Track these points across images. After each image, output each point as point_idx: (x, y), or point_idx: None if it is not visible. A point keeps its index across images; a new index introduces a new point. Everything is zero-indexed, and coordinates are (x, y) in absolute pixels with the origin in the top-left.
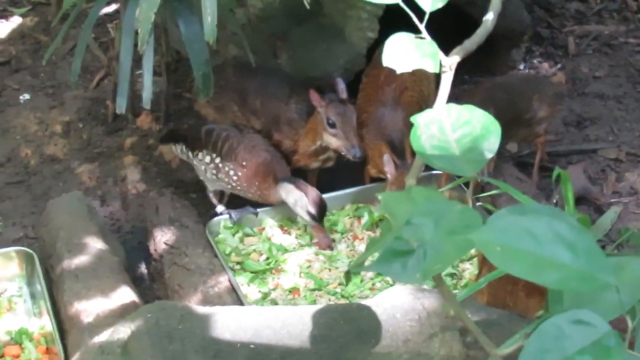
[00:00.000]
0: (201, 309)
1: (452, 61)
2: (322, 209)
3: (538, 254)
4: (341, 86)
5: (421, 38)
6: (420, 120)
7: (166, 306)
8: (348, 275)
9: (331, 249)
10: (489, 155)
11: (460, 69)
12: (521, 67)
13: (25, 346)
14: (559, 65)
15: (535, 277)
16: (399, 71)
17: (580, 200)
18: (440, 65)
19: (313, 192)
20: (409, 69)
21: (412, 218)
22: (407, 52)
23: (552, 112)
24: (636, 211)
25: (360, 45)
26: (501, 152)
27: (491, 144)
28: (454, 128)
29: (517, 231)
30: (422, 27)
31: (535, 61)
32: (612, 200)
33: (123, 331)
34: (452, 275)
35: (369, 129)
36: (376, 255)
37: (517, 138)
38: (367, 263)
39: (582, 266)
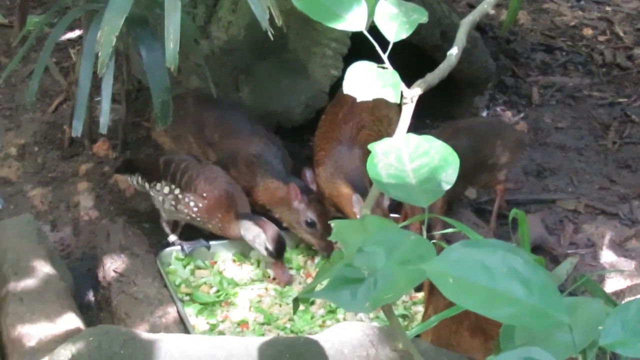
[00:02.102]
0: (145, 335)
1: (413, 93)
2: (280, 246)
3: (491, 288)
4: (309, 176)
5: (384, 68)
6: (377, 148)
7: (109, 330)
8: (296, 303)
9: (290, 284)
10: (446, 186)
11: (423, 113)
12: (484, 114)
13: None
14: (521, 114)
15: (488, 311)
16: (359, 99)
17: (537, 249)
18: (402, 96)
19: (272, 229)
20: (370, 98)
21: (364, 246)
22: (368, 81)
23: (514, 159)
24: (592, 263)
25: (323, 82)
26: (460, 198)
27: (449, 176)
28: (412, 158)
29: (471, 264)
30: (384, 57)
31: (498, 109)
32: (569, 251)
33: (64, 354)
34: (404, 316)
35: (325, 167)
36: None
37: (477, 183)
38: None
39: (535, 302)
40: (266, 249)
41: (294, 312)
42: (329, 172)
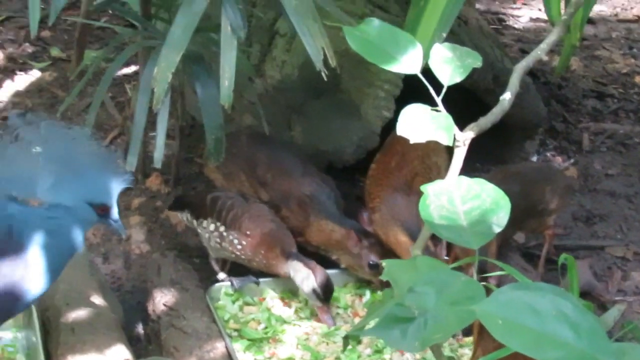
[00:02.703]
0: None
1: (466, 136)
2: (328, 290)
3: (540, 330)
4: (366, 217)
5: (437, 111)
6: (430, 190)
7: None
8: (346, 341)
9: (333, 325)
10: (497, 229)
11: (473, 156)
12: (534, 159)
13: None
14: (571, 160)
15: (536, 354)
16: (412, 141)
17: (585, 295)
18: (455, 139)
19: (321, 272)
20: (423, 140)
21: (415, 286)
22: (422, 123)
23: (563, 205)
24: None
25: (375, 123)
26: (508, 242)
27: (500, 219)
28: (464, 200)
29: (520, 306)
30: (439, 100)
31: (548, 154)
32: (617, 298)
33: None
34: (450, 358)
35: (382, 214)
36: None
37: (526, 228)
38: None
39: (584, 346)
40: (314, 291)
41: (344, 350)
42: (385, 219)
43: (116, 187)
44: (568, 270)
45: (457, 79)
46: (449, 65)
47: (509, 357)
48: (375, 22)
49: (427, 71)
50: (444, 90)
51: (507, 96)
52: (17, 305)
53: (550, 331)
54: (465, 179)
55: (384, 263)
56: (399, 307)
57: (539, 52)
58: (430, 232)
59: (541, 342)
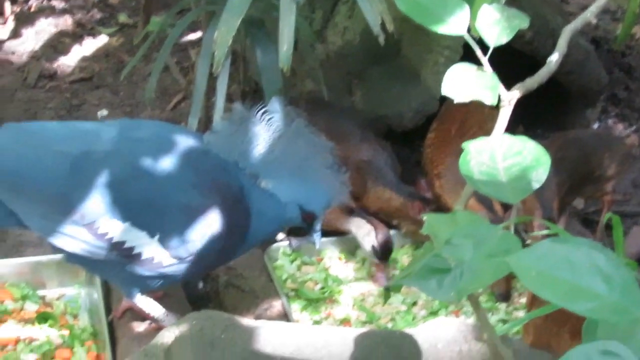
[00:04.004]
0: (246, 322)
1: (511, 96)
2: (387, 249)
3: (573, 282)
4: (424, 184)
5: (483, 71)
6: (472, 147)
7: (212, 315)
8: (387, 292)
9: (383, 281)
10: (536, 185)
11: (534, 123)
12: (595, 126)
13: (76, 350)
14: (633, 128)
15: (568, 304)
16: (456, 100)
17: None
18: (499, 99)
19: (383, 230)
20: (467, 99)
21: (452, 238)
22: (467, 82)
23: (622, 171)
24: None
25: (435, 88)
26: (567, 208)
27: (539, 175)
28: (505, 157)
29: (554, 258)
30: (484, 60)
31: (609, 121)
32: None
33: (168, 336)
34: (504, 321)
35: (448, 180)
36: None
37: (585, 194)
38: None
39: (616, 298)
40: (373, 248)
41: (384, 302)
42: (451, 184)
43: (331, 202)
44: (614, 230)
45: (504, 40)
46: (496, 27)
47: (562, 318)
48: None
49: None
50: (489, 51)
51: (554, 57)
52: (233, 256)
53: (583, 283)
54: (508, 136)
55: (425, 217)
56: (436, 258)
57: (588, 14)
58: (472, 189)
59: (573, 294)
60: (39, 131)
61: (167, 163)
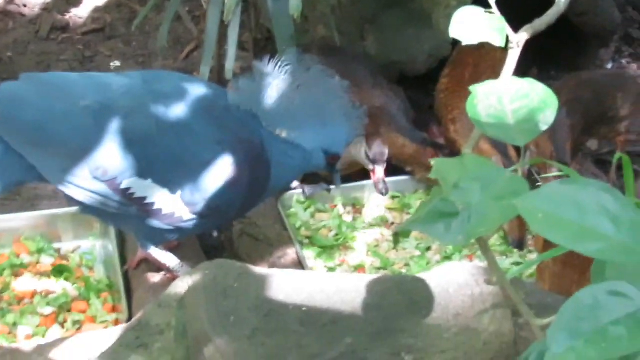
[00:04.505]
0: (258, 270)
1: (519, 38)
2: (379, 152)
3: (580, 223)
4: (437, 131)
5: (491, 13)
6: (479, 90)
7: (225, 264)
8: (396, 237)
9: (383, 194)
10: (544, 127)
11: (548, 63)
12: (609, 66)
13: (92, 302)
14: None
15: (575, 246)
16: (464, 42)
17: None
18: (508, 41)
19: (373, 137)
20: (476, 41)
21: (460, 182)
22: (475, 25)
23: (636, 112)
24: None
25: (447, 32)
26: (581, 148)
27: (547, 117)
28: (512, 100)
29: (561, 200)
30: (492, 1)
31: (624, 61)
32: None
33: (181, 286)
34: (517, 264)
35: (463, 124)
36: None
37: (598, 135)
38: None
39: (623, 238)
40: (365, 152)
41: (394, 246)
42: (467, 129)
43: (350, 140)
44: (624, 169)
45: None
46: None
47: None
48: None
49: None
50: None
51: None
52: (248, 208)
53: (590, 224)
54: (515, 79)
55: (432, 161)
56: (444, 202)
57: None
58: (481, 132)
59: (581, 235)
60: (61, 84)
61: (190, 119)
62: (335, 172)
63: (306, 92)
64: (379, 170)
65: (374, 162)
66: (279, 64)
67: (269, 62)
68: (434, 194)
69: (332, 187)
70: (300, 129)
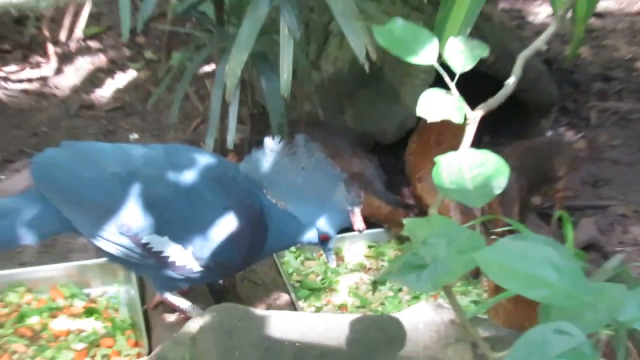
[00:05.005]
0: (258, 312)
1: (475, 114)
2: (356, 197)
3: (529, 273)
4: (407, 193)
5: (451, 94)
6: (443, 160)
7: (229, 307)
8: (375, 284)
9: (360, 231)
10: (498, 191)
11: (497, 133)
12: (548, 134)
13: (117, 339)
14: (581, 134)
15: (526, 292)
16: (429, 120)
17: (591, 247)
18: (466, 117)
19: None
20: (438, 119)
21: (428, 238)
22: (438, 105)
23: (570, 172)
24: (637, 259)
25: (413, 107)
26: (527, 205)
27: (499, 182)
28: (471, 168)
29: (513, 253)
30: (452, 84)
31: (561, 129)
32: (618, 249)
33: (193, 326)
34: (475, 302)
35: (427, 182)
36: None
37: (540, 193)
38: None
39: (566, 286)
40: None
41: (374, 292)
42: (431, 186)
43: (342, 223)
44: (564, 224)
45: (468, 67)
46: (461, 56)
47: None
48: (400, 21)
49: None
50: (456, 77)
51: (510, 81)
52: (248, 264)
53: (538, 274)
54: (473, 150)
55: (405, 221)
56: (415, 256)
57: (539, 43)
58: (443, 196)
59: (530, 283)
60: (94, 152)
61: (202, 187)
62: (327, 250)
63: (308, 174)
64: (357, 211)
65: (352, 204)
66: (288, 146)
67: (279, 141)
68: (406, 248)
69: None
70: (298, 204)
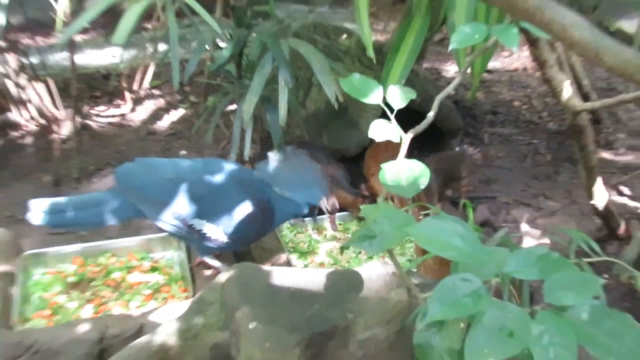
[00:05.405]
0: (266, 268)
1: (408, 136)
2: (334, 208)
3: (444, 241)
4: (363, 187)
5: (391, 123)
6: (386, 167)
7: (246, 265)
8: (342, 249)
9: (334, 230)
10: (422, 186)
11: (423, 149)
12: (456, 149)
13: (172, 287)
14: (478, 149)
15: (442, 253)
16: (377, 140)
17: (485, 224)
18: (401, 138)
19: (332, 198)
20: (384, 139)
21: (377, 219)
22: (383, 130)
23: (471, 174)
24: (515, 232)
25: (367, 132)
26: (443, 196)
27: (423, 181)
28: (405, 172)
29: (434, 228)
30: (392, 117)
31: (464, 146)
32: (502, 225)
33: (222, 278)
34: (409, 260)
35: (377, 177)
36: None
37: (451, 188)
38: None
39: (469, 249)
40: (326, 208)
41: (341, 253)
42: (379, 180)
43: (320, 196)
44: (467, 209)
45: (402, 105)
46: (398, 98)
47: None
48: (357, 75)
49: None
50: (395, 111)
51: (430, 114)
52: (260, 236)
53: (450, 241)
54: (406, 160)
55: (362, 207)
56: (368, 230)
57: (449, 89)
58: (387, 190)
59: (445, 248)
60: (156, 164)
61: (228, 186)
62: (313, 216)
63: (298, 170)
64: (332, 217)
65: (330, 212)
66: (282, 155)
67: (277, 154)
68: (363, 225)
69: (305, 220)
70: (293, 191)
